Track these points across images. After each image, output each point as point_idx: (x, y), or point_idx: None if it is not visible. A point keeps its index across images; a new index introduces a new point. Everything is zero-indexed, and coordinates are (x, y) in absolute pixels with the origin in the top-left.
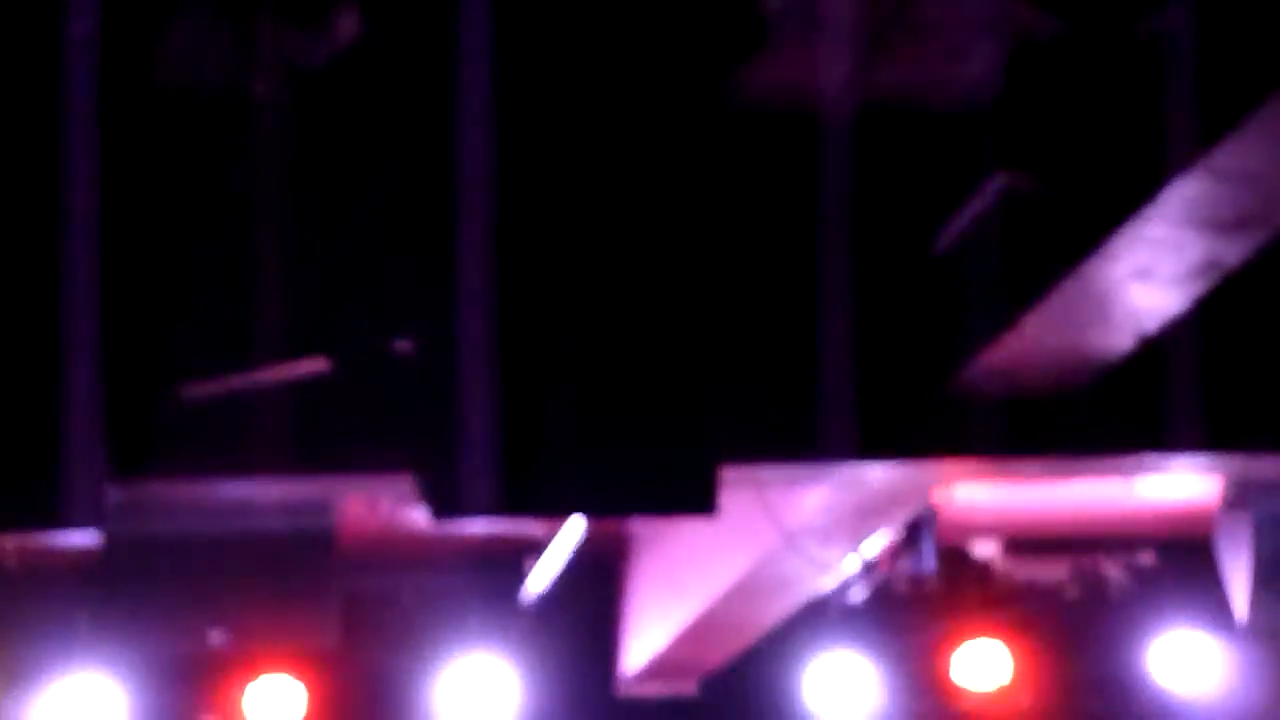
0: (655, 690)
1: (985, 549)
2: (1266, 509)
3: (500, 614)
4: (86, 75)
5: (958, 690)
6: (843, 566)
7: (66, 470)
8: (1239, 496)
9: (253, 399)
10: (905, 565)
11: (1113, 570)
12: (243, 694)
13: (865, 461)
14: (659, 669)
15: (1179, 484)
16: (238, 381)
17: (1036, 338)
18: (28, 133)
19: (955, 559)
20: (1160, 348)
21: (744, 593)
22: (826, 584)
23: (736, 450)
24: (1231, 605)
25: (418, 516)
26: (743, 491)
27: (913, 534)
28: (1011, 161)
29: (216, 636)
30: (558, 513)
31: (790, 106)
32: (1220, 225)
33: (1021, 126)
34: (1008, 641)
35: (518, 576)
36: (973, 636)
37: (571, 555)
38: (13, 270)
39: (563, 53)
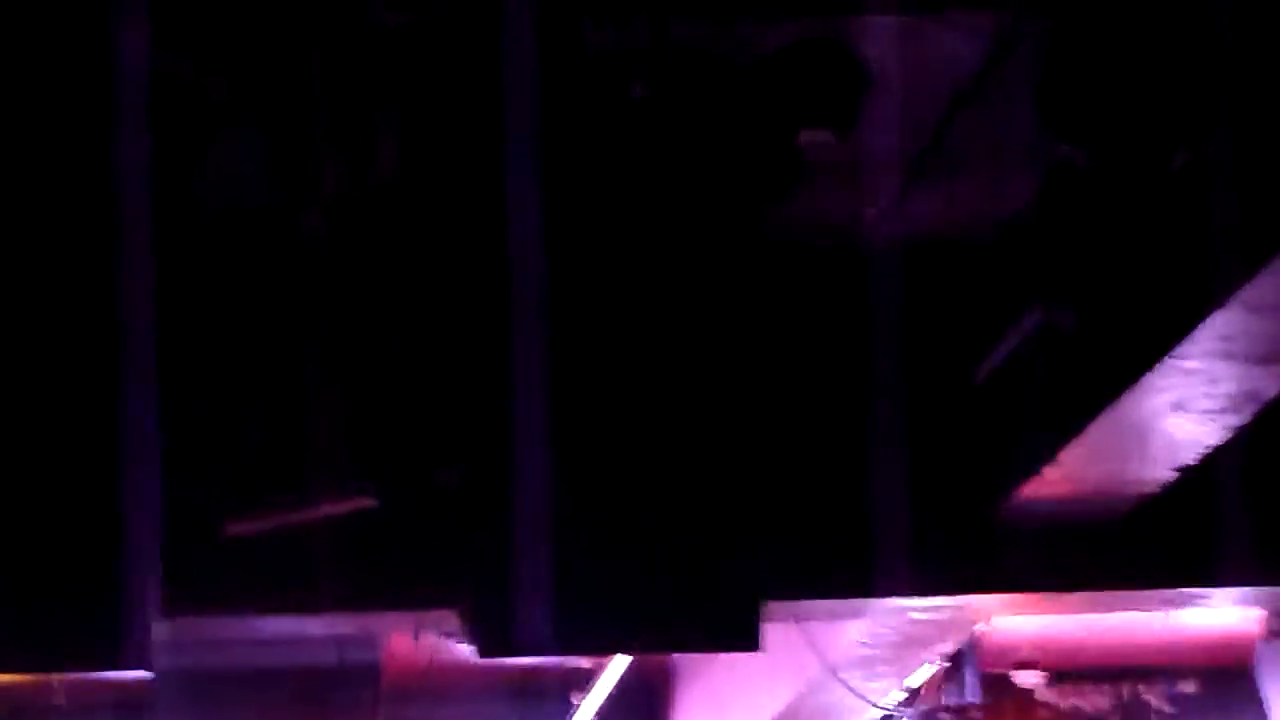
0: None
1: (1028, 677)
2: None
3: None
4: (138, 199)
5: None
6: (887, 697)
7: (121, 612)
8: None
9: (300, 535)
10: (949, 694)
11: (1155, 698)
12: None
13: (914, 598)
14: None
15: (1220, 614)
16: (285, 517)
17: (1076, 470)
18: (82, 262)
19: (999, 687)
20: (1201, 479)
21: None
22: (871, 715)
23: (783, 586)
24: None
25: (463, 649)
26: (786, 624)
27: (956, 663)
28: (1049, 294)
29: None
30: (608, 650)
31: (833, 239)
32: (1257, 358)
33: (1058, 258)
34: None
35: (564, 707)
36: None
37: (617, 686)
38: (71, 411)
39: (609, 188)
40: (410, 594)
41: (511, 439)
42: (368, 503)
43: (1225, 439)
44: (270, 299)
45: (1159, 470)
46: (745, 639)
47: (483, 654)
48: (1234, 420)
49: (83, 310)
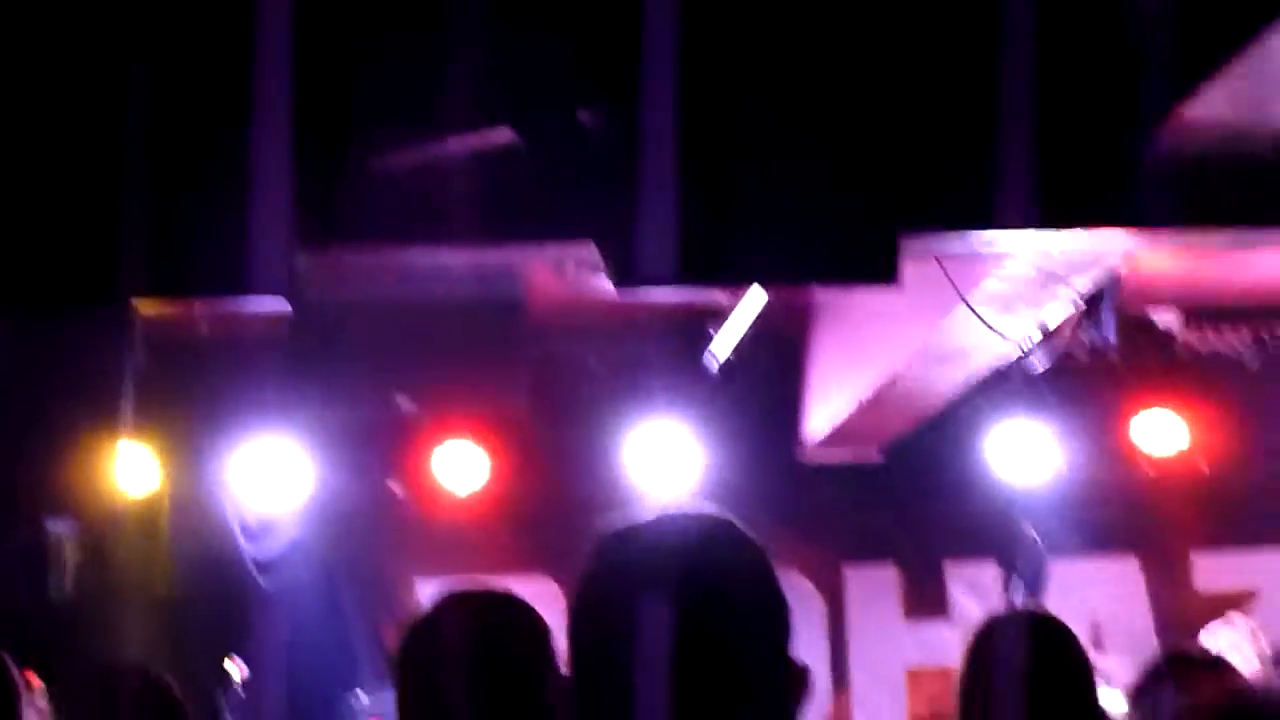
0: (838, 456)
1: (1167, 318)
2: None
3: (685, 380)
4: None
5: (1136, 457)
6: (1024, 335)
7: (255, 238)
8: None
9: (440, 168)
10: (1086, 334)
11: None
12: (429, 459)
13: (1044, 231)
14: (842, 435)
15: None
16: (426, 151)
17: (1216, 107)
18: None
19: (1136, 328)
20: None
21: (926, 361)
22: (1008, 352)
23: (918, 221)
24: None
25: (604, 284)
26: (925, 261)
27: (1094, 303)
28: None
29: (404, 402)
30: (739, 282)
31: None
32: None
33: None
34: (1187, 410)
35: (703, 343)
36: (1152, 404)
37: (756, 323)
38: (206, 37)
39: None
40: (548, 226)
41: (646, 70)
42: (507, 135)
43: None
44: None
45: None
46: (883, 272)
47: (616, 285)
48: None
49: None
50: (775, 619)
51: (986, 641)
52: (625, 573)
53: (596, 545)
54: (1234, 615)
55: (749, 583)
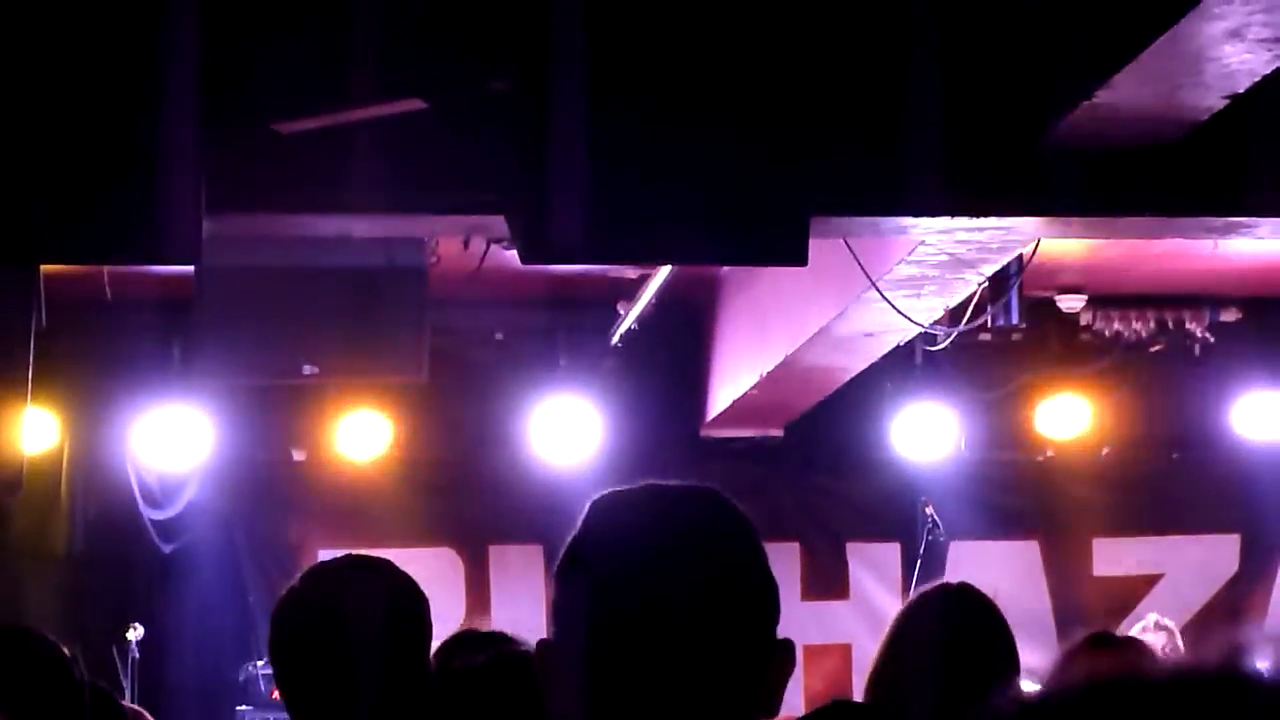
0: (741, 432)
1: (1072, 302)
2: None
3: (589, 353)
4: None
5: (1039, 439)
6: (929, 317)
7: (165, 203)
8: None
9: (349, 136)
10: (992, 317)
11: (1197, 326)
12: (332, 425)
13: (959, 218)
14: (745, 412)
15: (1265, 244)
16: (334, 118)
17: (1128, 94)
18: None
19: (1042, 311)
20: (1250, 108)
21: (830, 339)
22: (912, 333)
23: (828, 203)
24: None
25: (511, 256)
26: (833, 242)
27: (1000, 286)
28: None
29: (308, 369)
30: (648, 260)
31: None
32: None
33: None
34: (1090, 393)
35: (608, 316)
36: (1056, 388)
37: (661, 297)
38: (117, 3)
39: None
40: (456, 197)
41: (556, 42)
42: (416, 105)
43: (1277, 68)
44: None
45: (1210, 98)
46: (792, 252)
47: (524, 260)
48: None
49: None
50: (764, 593)
51: (915, 614)
52: (613, 543)
53: (585, 513)
54: (1153, 618)
55: (739, 557)
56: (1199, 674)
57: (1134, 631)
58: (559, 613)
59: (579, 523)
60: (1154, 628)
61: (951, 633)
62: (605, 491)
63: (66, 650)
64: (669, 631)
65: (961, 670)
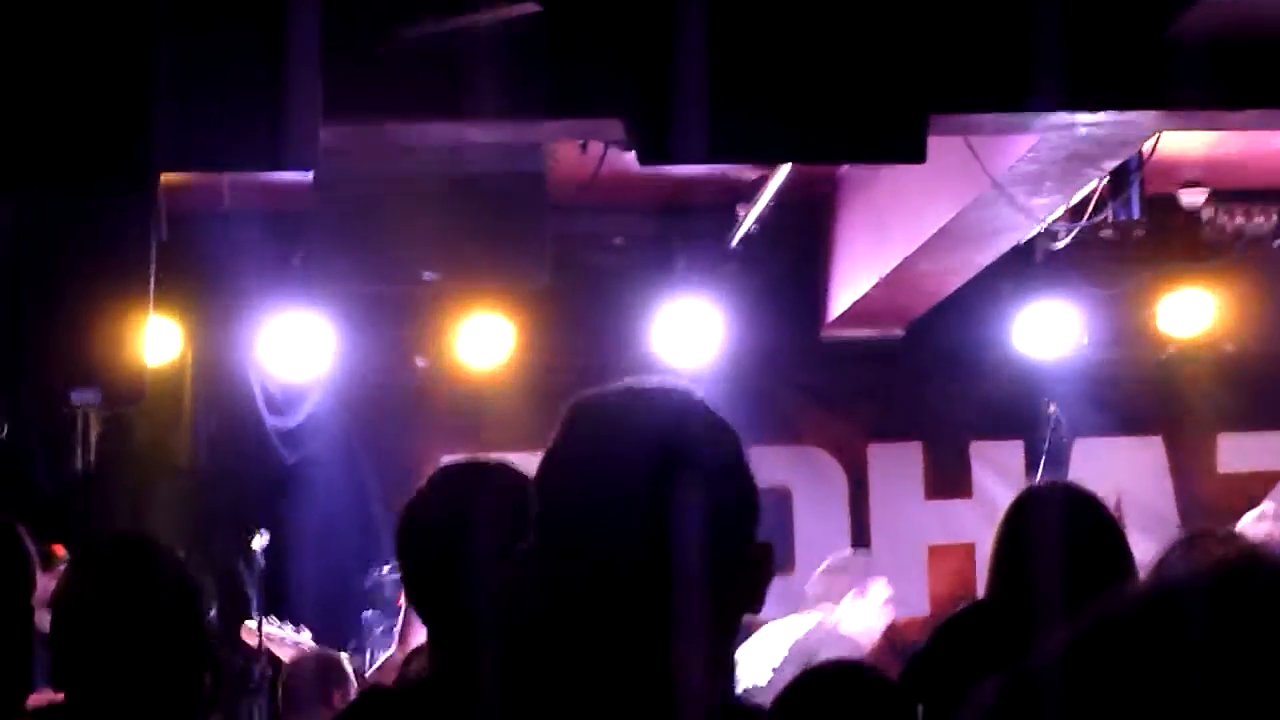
0: (861, 333)
1: (1193, 197)
2: None
3: (710, 256)
4: None
5: (1162, 337)
6: (1051, 214)
7: (284, 111)
8: None
9: (465, 41)
10: (1113, 212)
11: None
12: (453, 332)
13: (1072, 113)
14: (865, 313)
15: None
16: (452, 24)
17: None
18: None
19: (1163, 206)
20: None
21: (950, 238)
22: (1033, 231)
23: (946, 99)
24: None
25: (629, 160)
26: (952, 139)
27: (1120, 182)
28: None
29: (428, 275)
30: (767, 159)
31: None
32: None
33: None
34: (1212, 289)
35: (728, 220)
36: (1178, 284)
37: (781, 199)
38: None
39: None
40: (573, 102)
41: None
42: (531, 7)
43: None
44: None
45: None
46: (910, 150)
47: (642, 161)
48: None
49: None
50: (744, 498)
51: (1022, 513)
52: (594, 443)
53: (567, 414)
54: (1268, 506)
55: (719, 460)
56: None
57: (1245, 520)
58: (538, 518)
59: (558, 426)
60: (1267, 517)
61: (1061, 527)
62: (584, 393)
63: (182, 561)
64: (645, 536)
65: (1073, 565)
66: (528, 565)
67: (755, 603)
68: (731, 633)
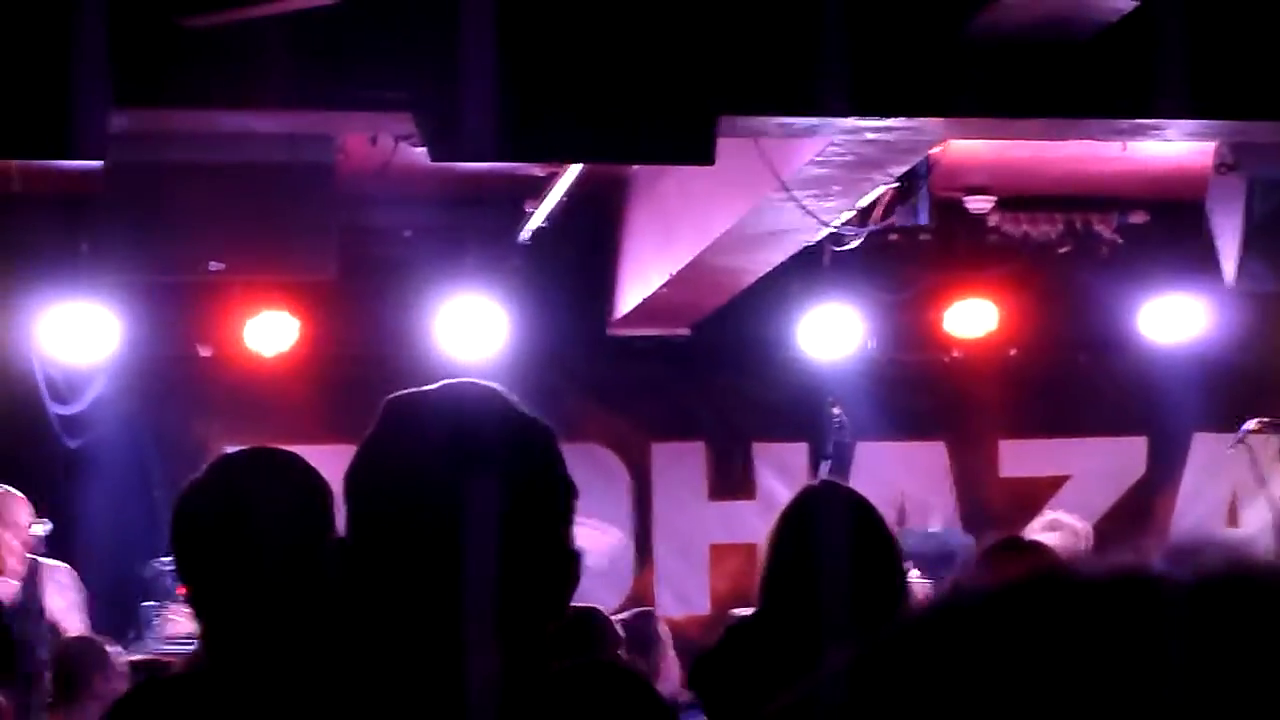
0: (647, 331)
1: (980, 203)
2: (1259, 172)
3: (497, 252)
4: None
5: (946, 340)
6: (837, 218)
7: (73, 99)
8: (1232, 159)
9: (256, 30)
10: (900, 217)
11: (1104, 228)
12: (238, 323)
13: (867, 117)
14: (652, 311)
15: (1173, 146)
16: (241, 12)
17: None
18: None
19: (950, 211)
20: (1161, 10)
21: (738, 239)
22: (820, 233)
23: (735, 103)
24: (1220, 265)
25: (420, 152)
26: (742, 141)
27: (908, 186)
28: None
29: (215, 266)
30: (556, 159)
31: None
32: None
33: None
34: (997, 294)
35: (516, 215)
36: (963, 289)
37: (569, 197)
38: None
39: None
40: (364, 94)
41: None
42: (327, 1)
43: None
44: None
45: None
46: (699, 151)
47: (433, 157)
48: None
49: None
50: (556, 499)
51: (800, 514)
52: (408, 442)
53: (381, 411)
54: (1060, 516)
55: (532, 460)
56: (1109, 575)
57: (1035, 526)
58: (351, 516)
59: (375, 422)
60: (1060, 526)
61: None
62: (401, 392)
63: None
64: (443, 536)
65: (850, 567)
66: (336, 561)
67: (556, 608)
68: (532, 639)
